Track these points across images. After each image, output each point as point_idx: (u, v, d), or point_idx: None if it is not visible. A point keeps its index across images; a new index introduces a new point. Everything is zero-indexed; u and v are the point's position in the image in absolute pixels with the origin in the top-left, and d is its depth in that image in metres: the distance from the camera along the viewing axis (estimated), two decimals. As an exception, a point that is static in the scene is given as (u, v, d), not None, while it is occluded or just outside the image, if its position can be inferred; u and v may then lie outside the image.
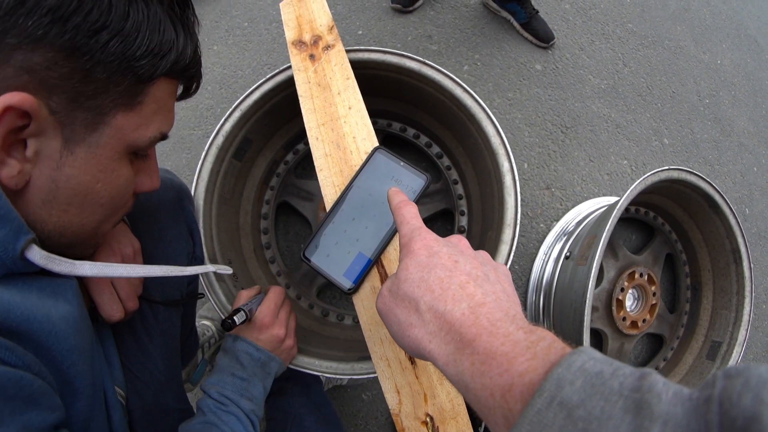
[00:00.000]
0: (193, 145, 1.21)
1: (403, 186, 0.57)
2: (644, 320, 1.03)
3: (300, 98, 0.70)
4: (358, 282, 0.56)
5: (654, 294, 1.04)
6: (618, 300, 1.00)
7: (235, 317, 0.55)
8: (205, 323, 1.07)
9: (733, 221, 1.02)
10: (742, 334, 1.05)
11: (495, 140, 0.72)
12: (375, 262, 0.56)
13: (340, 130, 0.65)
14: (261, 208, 0.96)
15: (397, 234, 0.40)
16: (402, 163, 0.58)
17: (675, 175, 0.92)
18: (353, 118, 0.66)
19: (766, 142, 1.42)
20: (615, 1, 1.36)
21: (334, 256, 0.57)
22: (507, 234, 0.68)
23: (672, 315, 1.12)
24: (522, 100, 1.11)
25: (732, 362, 1.04)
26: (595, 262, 0.78)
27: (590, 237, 0.86)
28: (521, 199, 0.70)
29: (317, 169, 0.63)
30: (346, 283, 0.56)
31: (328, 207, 0.60)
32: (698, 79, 1.36)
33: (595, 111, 1.15)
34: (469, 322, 0.27)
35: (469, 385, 0.25)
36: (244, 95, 0.87)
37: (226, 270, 0.61)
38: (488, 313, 0.27)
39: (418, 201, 0.57)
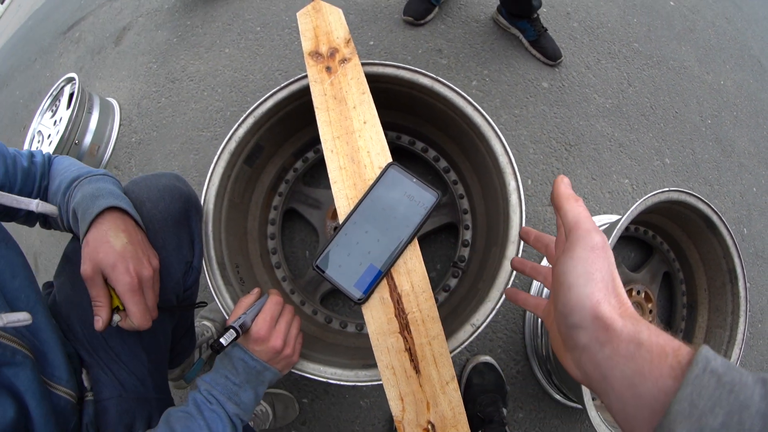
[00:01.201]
0: (201, 146, 1.25)
1: (414, 202, 0.62)
2: (640, 337, 1.07)
3: (316, 110, 0.74)
4: (368, 293, 0.60)
5: (651, 312, 1.09)
6: (615, 316, 1.04)
7: (222, 339, 0.56)
8: (205, 323, 1.10)
9: (730, 242, 1.07)
10: (735, 352, 1.10)
11: (503, 159, 0.76)
12: (385, 274, 0.60)
13: (354, 144, 0.69)
14: (269, 214, 1.00)
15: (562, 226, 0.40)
16: (414, 180, 0.63)
17: (675, 196, 0.97)
18: (368, 133, 0.70)
19: (766, 162, 1.48)
20: (622, 21, 1.42)
21: (345, 267, 0.61)
22: (511, 250, 0.73)
23: (668, 333, 1.17)
24: (528, 116, 1.16)
25: (724, 381, 1.08)
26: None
27: (590, 254, 0.91)
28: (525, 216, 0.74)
29: (331, 181, 0.67)
30: (357, 294, 0.60)
31: (341, 219, 0.64)
32: (701, 100, 1.42)
33: (599, 130, 1.20)
34: (620, 325, 0.30)
35: (644, 341, 0.28)
36: (257, 102, 0.91)
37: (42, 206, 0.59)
38: (632, 313, 0.31)
39: (428, 216, 0.61)
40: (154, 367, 0.66)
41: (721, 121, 1.44)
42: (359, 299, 0.60)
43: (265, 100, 0.90)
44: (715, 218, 1.05)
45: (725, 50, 1.60)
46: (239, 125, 0.91)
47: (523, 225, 0.73)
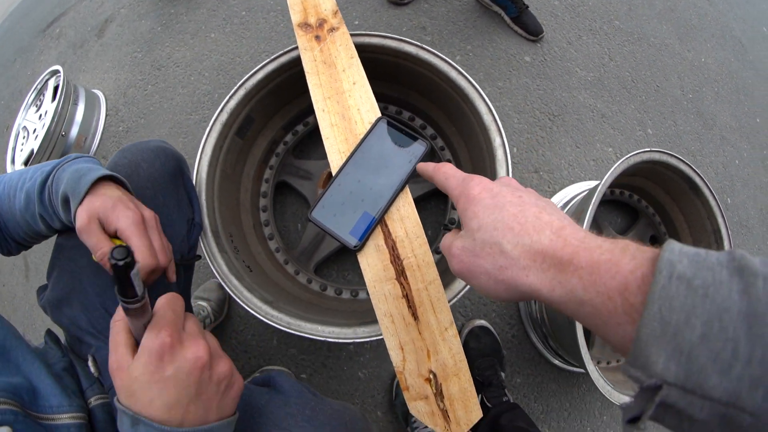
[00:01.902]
0: (190, 129, 1.29)
1: (404, 151, 0.67)
2: (630, 299, 1.13)
3: (307, 74, 0.79)
4: (364, 239, 0.64)
5: (639, 274, 1.14)
6: (604, 279, 1.09)
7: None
8: (201, 303, 1.13)
9: (713, 203, 1.13)
10: (722, 313, 1.16)
11: (487, 117, 0.81)
12: (379, 220, 0.65)
13: (345, 103, 0.74)
14: (260, 187, 1.04)
15: (448, 193, 0.42)
16: (404, 131, 0.68)
17: (656, 156, 1.03)
18: (357, 93, 0.75)
19: (747, 137, 1.56)
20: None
21: (340, 216, 0.66)
22: (499, 202, 0.78)
23: (657, 297, 1.23)
24: (511, 89, 1.22)
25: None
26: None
27: (577, 213, 0.97)
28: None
29: (324, 138, 0.72)
30: (352, 241, 0.64)
31: (334, 171, 0.69)
32: (682, 75, 1.49)
33: (582, 101, 1.27)
34: (560, 245, 0.29)
35: (583, 298, 0.26)
36: (248, 74, 0.96)
37: None
38: (572, 234, 0.29)
39: (415, 174, 0.66)
40: None
41: (703, 96, 1.51)
42: (355, 246, 0.64)
43: (255, 72, 0.95)
44: (697, 179, 1.11)
45: (706, 30, 1.68)
46: (230, 97, 0.95)
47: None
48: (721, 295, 0.21)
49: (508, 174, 0.79)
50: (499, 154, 0.80)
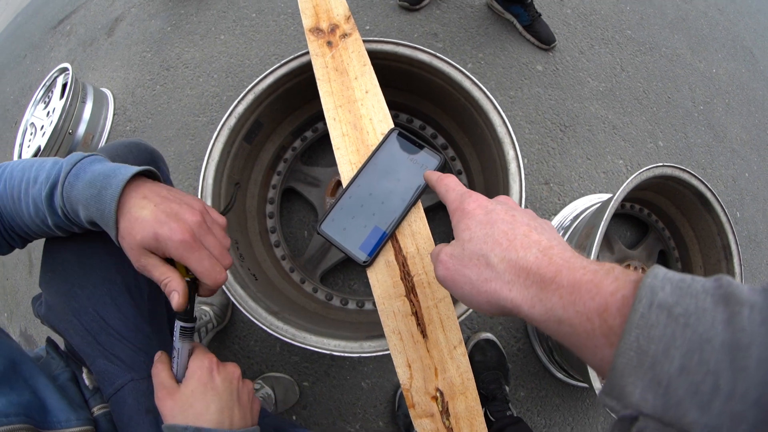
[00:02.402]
0: (197, 131, 1.26)
1: (418, 165, 0.64)
2: (638, 314, 1.10)
3: (318, 81, 0.76)
4: (374, 255, 0.61)
5: (647, 289, 1.11)
6: (613, 293, 1.06)
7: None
8: (203, 308, 1.11)
9: (724, 219, 1.10)
10: (731, 330, 1.13)
11: (501, 130, 0.78)
12: (390, 236, 0.62)
13: (357, 112, 0.71)
14: (267, 193, 1.02)
15: (446, 203, 0.43)
16: (417, 144, 0.65)
17: (669, 171, 1.00)
18: (370, 102, 0.72)
19: (758, 149, 1.52)
20: (615, 8, 1.46)
21: (350, 230, 0.63)
22: (512, 217, 0.75)
23: (664, 311, 1.20)
24: (523, 98, 1.19)
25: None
26: (595, 248, 0.85)
27: (588, 228, 0.94)
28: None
29: (335, 148, 0.69)
30: (362, 256, 0.61)
31: (345, 183, 0.66)
32: (693, 86, 1.46)
33: (593, 112, 1.23)
34: (545, 263, 0.29)
35: (562, 317, 0.26)
36: (257, 79, 0.93)
37: None
38: (559, 254, 0.29)
39: (427, 187, 0.63)
40: (159, 335, 0.63)
41: (714, 108, 1.48)
42: (365, 261, 0.61)
43: (265, 77, 0.92)
44: (708, 195, 1.08)
45: (717, 40, 1.64)
46: (239, 101, 0.93)
47: (524, 193, 0.75)
48: (703, 324, 0.19)
49: (521, 188, 0.76)
50: (513, 167, 0.77)
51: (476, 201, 0.37)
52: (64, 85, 1.48)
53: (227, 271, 0.53)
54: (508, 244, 0.31)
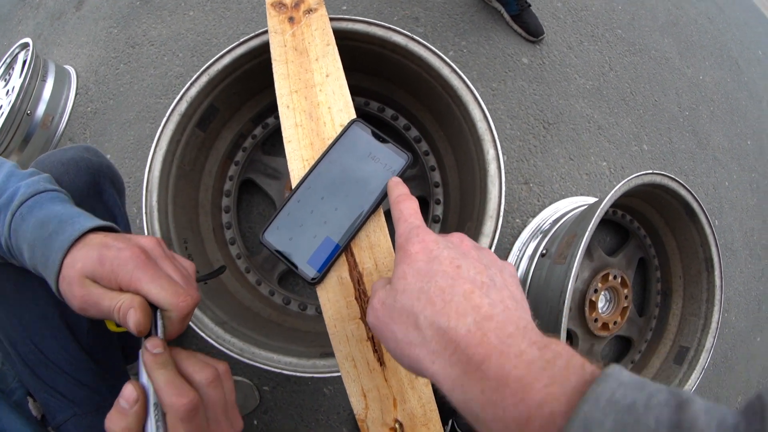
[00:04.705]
0: (159, 114, 1.10)
1: (380, 164, 0.50)
2: (615, 322, 0.99)
3: (273, 62, 0.61)
4: (324, 271, 0.48)
5: (626, 297, 1.00)
6: (591, 301, 0.95)
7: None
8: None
9: (708, 230, 0.99)
10: (709, 340, 1.03)
11: (481, 125, 0.65)
12: (344, 249, 0.48)
13: (314, 99, 0.57)
14: (224, 185, 0.87)
15: (395, 233, 0.35)
16: (381, 139, 0.50)
17: (658, 179, 0.88)
18: (330, 87, 0.57)
19: (738, 159, 1.42)
20: (606, 6, 1.32)
21: (297, 240, 0.49)
22: (488, 226, 0.62)
23: (641, 318, 1.09)
24: (506, 91, 1.05)
25: (699, 367, 1.02)
26: (576, 261, 0.72)
27: (570, 236, 0.81)
28: (504, 192, 0.63)
29: (285, 141, 0.54)
30: (310, 272, 0.48)
31: (294, 183, 0.52)
32: (680, 92, 1.34)
33: (579, 110, 1.10)
34: (476, 340, 0.23)
35: (479, 415, 0.22)
36: (213, 59, 0.77)
37: None
38: (497, 328, 0.23)
39: None
40: (105, 369, 0.53)
41: (699, 114, 1.37)
42: (313, 279, 0.48)
43: (221, 57, 0.77)
44: (695, 205, 0.97)
45: (706, 48, 1.53)
46: (191, 84, 0.77)
47: (503, 198, 0.62)
48: None
49: (500, 192, 0.62)
50: (492, 168, 0.63)
51: (422, 242, 0.30)
52: (24, 62, 1.29)
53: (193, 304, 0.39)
54: (442, 305, 0.25)
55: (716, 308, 1.03)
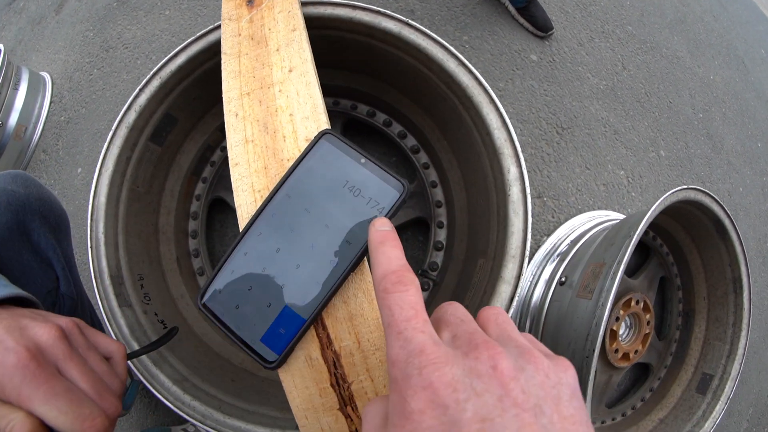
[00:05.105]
0: (129, 124, 0.89)
1: (363, 200, 0.30)
2: (636, 351, 0.80)
3: (223, 57, 0.43)
4: (284, 353, 0.29)
5: (648, 323, 0.81)
6: (612, 330, 0.76)
7: None
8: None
9: (738, 249, 0.80)
10: (735, 368, 0.84)
11: (500, 135, 0.45)
12: (312, 322, 0.29)
13: (271, 103, 0.37)
14: (189, 206, 0.67)
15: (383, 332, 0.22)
16: (363, 161, 0.31)
17: (692, 195, 0.69)
18: (293, 86, 0.38)
19: (750, 162, 1.23)
20: (615, 1, 1.12)
21: (245, 310, 0.30)
22: (510, 269, 0.42)
23: (660, 342, 0.90)
24: (514, 92, 0.85)
25: (724, 397, 0.83)
26: (609, 301, 0.53)
27: (596, 264, 0.62)
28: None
29: (231, 162, 0.35)
30: (267, 354, 0.29)
31: (241, 225, 0.33)
32: (693, 92, 1.14)
33: (593, 113, 0.90)
34: None
35: None
36: (165, 58, 0.58)
37: None
38: None
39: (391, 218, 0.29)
40: None
41: (712, 117, 1.17)
42: (270, 363, 0.29)
43: (175, 55, 0.58)
44: (726, 222, 0.78)
45: (713, 47, 1.33)
46: (141, 90, 0.58)
47: (529, 232, 0.42)
48: None
49: (526, 226, 0.43)
50: (515, 192, 0.44)
51: (429, 389, 0.15)
52: (-2, 69, 1.09)
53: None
54: None
55: (743, 333, 0.84)
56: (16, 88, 1.09)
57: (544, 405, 0.16)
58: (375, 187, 0.30)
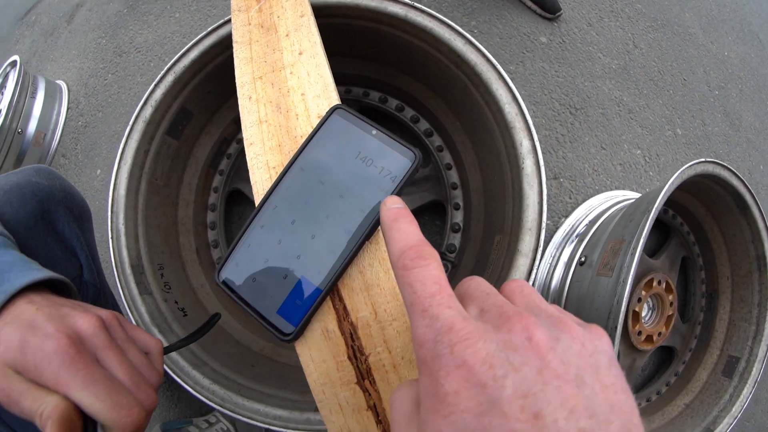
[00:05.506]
0: (144, 124, 0.92)
1: (375, 169, 0.31)
2: (660, 333, 0.79)
3: (235, 45, 0.44)
4: (301, 324, 0.30)
5: (671, 304, 0.80)
6: (634, 312, 0.75)
7: None
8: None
9: (761, 225, 0.78)
10: (763, 349, 0.82)
11: (510, 109, 0.45)
12: (328, 292, 0.30)
13: (283, 85, 0.38)
14: (207, 198, 0.69)
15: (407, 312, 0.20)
16: (375, 132, 0.31)
17: (710, 168, 0.68)
18: (304, 68, 0.39)
19: (770, 139, 1.19)
20: (623, -21, 1.10)
21: (263, 282, 0.31)
22: (527, 242, 0.42)
23: (684, 325, 0.89)
24: (525, 74, 0.84)
25: (752, 380, 0.81)
26: (630, 275, 0.53)
27: (615, 241, 0.61)
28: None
29: (246, 143, 0.36)
30: (283, 326, 0.30)
31: (257, 201, 0.34)
32: (707, 69, 1.12)
33: (606, 93, 0.89)
34: None
35: None
36: (178, 54, 0.60)
37: None
38: None
39: (402, 192, 0.30)
40: None
41: (728, 93, 1.14)
42: (286, 335, 0.30)
43: (188, 51, 0.59)
44: (747, 197, 0.76)
45: (726, 22, 1.29)
46: (156, 85, 0.60)
47: (545, 203, 0.42)
48: None
49: (541, 197, 0.43)
50: (528, 164, 0.44)
51: (464, 366, 0.14)
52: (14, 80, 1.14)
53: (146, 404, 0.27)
54: None
55: (772, 312, 0.82)
56: (33, 97, 1.14)
57: (584, 375, 0.15)
58: (387, 156, 0.31)
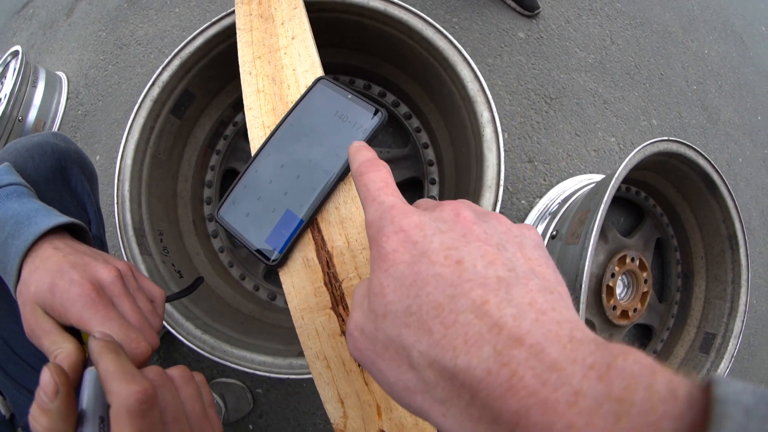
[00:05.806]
0: (144, 112, 1.03)
1: (350, 124, 0.41)
2: (635, 310, 0.88)
3: (238, 32, 0.55)
4: (285, 250, 0.39)
5: (645, 281, 0.89)
6: (608, 286, 0.84)
7: None
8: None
9: (730, 204, 0.88)
10: (737, 325, 0.91)
11: (472, 86, 0.56)
12: (309, 224, 0.40)
13: (278, 63, 0.49)
14: (204, 175, 0.79)
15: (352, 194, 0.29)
16: (350, 96, 0.42)
17: (674, 147, 0.78)
18: (296, 49, 0.49)
19: (750, 135, 1.31)
20: (602, -21, 1.22)
21: (254, 216, 0.41)
22: (487, 198, 0.52)
23: (661, 304, 0.98)
24: (503, 66, 0.96)
25: (728, 355, 0.90)
26: (592, 238, 0.62)
27: (582, 212, 0.71)
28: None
29: (246, 109, 0.47)
30: (270, 253, 0.39)
31: (253, 152, 0.44)
32: (686, 65, 1.23)
33: (582, 84, 1.00)
34: (502, 386, 0.14)
35: None
36: (185, 41, 0.70)
37: None
38: (532, 356, 0.14)
39: (371, 143, 0.40)
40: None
41: (707, 89, 1.26)
42: (273, 261, 0.39)
43: (193, 38, 0.70)
44: (715, 176, 0.86)
45: (708, 22, 1.42)
46: (164, 68, 0.70)
47: (502, 164, 0.52)
48: None
49: (499, 159, 0.53)
50: (488, 132, 0.54)
51: (400, 231, 0.19)
52: (15, 69, 1.25)
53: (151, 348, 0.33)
54: (443, 333, 0.16)
55: (743, 290, 0.91)
56: (34, 86, 1.25)
57: (507, 245, 0.18)
58: (359, 114, 0.41)
